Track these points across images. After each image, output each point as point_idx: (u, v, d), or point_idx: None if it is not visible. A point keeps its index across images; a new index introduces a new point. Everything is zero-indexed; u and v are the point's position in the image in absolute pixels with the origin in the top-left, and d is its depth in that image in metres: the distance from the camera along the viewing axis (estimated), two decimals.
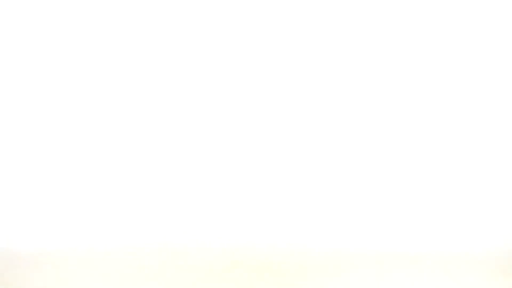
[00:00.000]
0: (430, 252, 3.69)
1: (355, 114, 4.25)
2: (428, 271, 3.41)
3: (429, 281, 3.24)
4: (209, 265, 3.42)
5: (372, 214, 4.05)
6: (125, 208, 4.10)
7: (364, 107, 4.25)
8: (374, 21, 4.24)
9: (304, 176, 4.20)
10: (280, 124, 4.20)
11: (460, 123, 4.18)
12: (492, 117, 4.15)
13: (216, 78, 4.24)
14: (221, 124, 4.22)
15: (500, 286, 3.20)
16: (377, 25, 4.24)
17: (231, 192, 4.14)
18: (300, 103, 4.30)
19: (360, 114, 4.25)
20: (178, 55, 4.23)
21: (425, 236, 3.86)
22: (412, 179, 4.14)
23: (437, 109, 4.20)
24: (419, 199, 4.08)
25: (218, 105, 4.24)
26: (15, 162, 4.12)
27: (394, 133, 4.20)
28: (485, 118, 4.16)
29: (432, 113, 4.20)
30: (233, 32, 4.22)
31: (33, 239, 3.86)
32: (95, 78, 4.23)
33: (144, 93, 4.25)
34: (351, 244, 3.81)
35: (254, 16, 4.23)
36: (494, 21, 4.16)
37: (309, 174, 4.21)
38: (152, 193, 4.17)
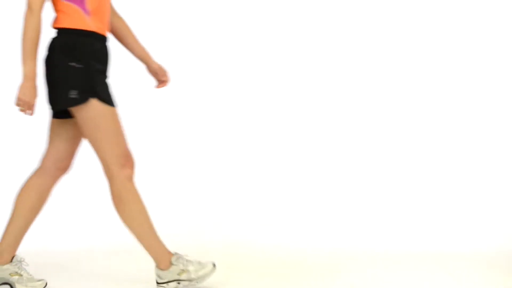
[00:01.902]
0: (430, 252, 3.70)
1: (356, 115, 4.25)
2: (428, 271, 3.41)
3: (429, 281, 3.24)
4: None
5: (372, 215, 4.06)
6: None
7: (364, 108, 4.25)
8: (375, 21, 4.24)
9: (304, 177, 4.21)
10: (282, 127, 4.20)
11: (460, 123, 4.19)
12: (492, 117, 4.16)
13: (215, 78, 4.24)
14: (222, 125, 4.22)
15: (500, 286, 3.20)
16: (377, 25, 4.24)
17: (230, 192, 4.14)
18: (301, 104, 4.30)
19: (360, 115, 4.25)
20: (178, 55, 4.23)
21: (425, 236, 3.87)
22: (412, 179, 4.15)
23: (437, 109, 4.21)
24: (419, 199, 4.09)
25: (217, 107, 4.23)
26: (15, 162, 4.12)
27: (394, 135, 4.21)
28: (485, 118, 4.17)
29: (432, 114, 4.21)
30: (233, 31, 4.22)
31: (32, 239, 3.86)
32: None
33: (144, 95, 4.25)
34: (352, 243, 3.82)
35: (254, 14, 4.23)
36: (494, 21, 4.16)
37: (309, 175, 4.21)
38: (153, 193, 4.17)
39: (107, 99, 2.88)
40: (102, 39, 2.91)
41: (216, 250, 3.50)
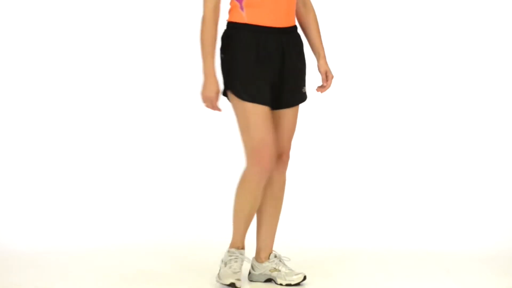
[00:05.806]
0: (429, 251, 3.70)
1: (356, 115, 4.24)
2: (428, 270, 3.41)
3: (429, 280, 3.24)
4: (209, 264, 3.42)
5: (372, 214, 4.05)
6: (124, 209, 4.10)
7: (365, 108, 4.24)
8: (375, 22, 4.24)
9: (303, 176, 4.20)
10: None
11: (461, 123, 4.18)
12: (492, 117, 4.16)
13: None
14: (220, 124, 4.22)
15: (500, 286, 3.21)
16: (377, 26, 4.24)
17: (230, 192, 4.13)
18: (304, 104, 4.28)
19: (361, 115, 4.24)
20: (177, 54, 4.23)
21: (425, 235, 3.87)
22: (412, 179, 4.14)
23: (438, 109, 4.20)
24: (419, 199, 4.08)
25: None
26: (14, 162, 4.12)
27: (394, 135, 4.21)
28: (485, 118, 4.16)
29: (433, 114, 4.20)
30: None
31: (32, 239, 3.86)
32: (95, 80, 4.23)
33: (144, 96, 4.25)
34: (351, 243, 3.81)
35: None
36: (494, 21, 4.16)
37: (308, 174, 4.21)
38: (152, 193, 4.17)
39: (241, 93, 3.00)
40: (261, 30, 2.99)
41: (215, 250, 3.49)
